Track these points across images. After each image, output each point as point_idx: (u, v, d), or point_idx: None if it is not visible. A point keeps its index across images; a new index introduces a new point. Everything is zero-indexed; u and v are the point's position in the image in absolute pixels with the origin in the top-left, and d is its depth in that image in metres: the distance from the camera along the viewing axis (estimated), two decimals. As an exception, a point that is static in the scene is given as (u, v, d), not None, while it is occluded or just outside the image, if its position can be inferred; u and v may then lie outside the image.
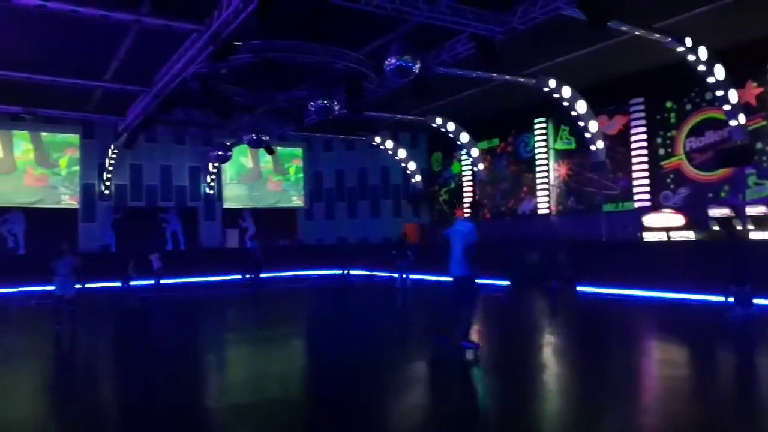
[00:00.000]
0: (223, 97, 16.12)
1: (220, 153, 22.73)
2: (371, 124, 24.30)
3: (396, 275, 17.27)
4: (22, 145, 22.85)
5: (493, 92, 19.42)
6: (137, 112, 18.55)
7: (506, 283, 17.54)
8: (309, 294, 18.36)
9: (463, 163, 25.48)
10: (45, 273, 11.50)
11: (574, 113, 18.66)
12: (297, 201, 28.87)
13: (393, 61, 13.15)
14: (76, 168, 23.78)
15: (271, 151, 23.32)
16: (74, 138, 23.75)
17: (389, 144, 26.26)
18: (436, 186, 27.53)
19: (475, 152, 24.15)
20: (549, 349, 8.73)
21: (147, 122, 18.52)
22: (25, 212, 22.70)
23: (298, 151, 28.80)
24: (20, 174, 22.72)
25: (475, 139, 24.06)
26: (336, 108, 16.81)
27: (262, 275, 20.06)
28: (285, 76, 16.33)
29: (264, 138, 20.12)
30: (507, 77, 17.34)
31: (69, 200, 23.66)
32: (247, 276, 20.23)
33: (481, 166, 24.23)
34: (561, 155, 21.34)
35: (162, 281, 17.29)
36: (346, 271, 22.45)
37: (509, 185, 23.49)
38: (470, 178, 25.08)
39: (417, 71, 13.40)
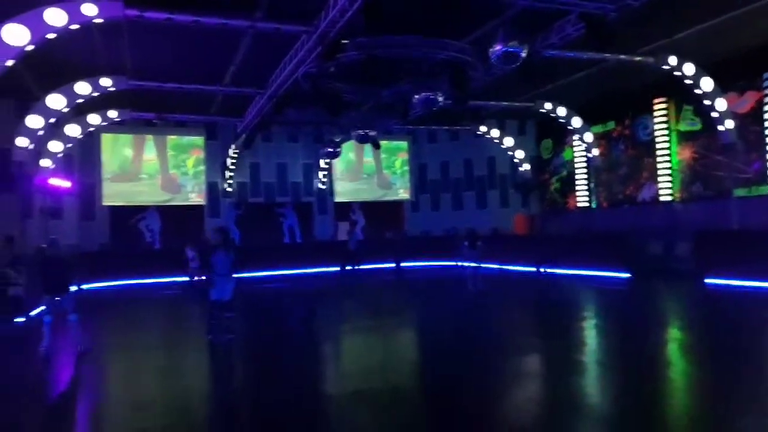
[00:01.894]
0: (332, 95, 16.64)
1: (330, 149, 23.68)
2: (476, 114, 23.93)
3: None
4: (154, 147, 25.07)
5: (606, 73, 18.39)
6: (254, 113, 19.68)
7: (626, 275, 16.65)
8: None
9: (575, 149, 24.42)
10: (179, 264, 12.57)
11: (698, 91, 17.21)
12: (403, 194, 29.21)
13: (499, 47, 12.81)
14: (202, 168, 25.71)
15: (377, 146, 23.77)
16: (199, 140, 25.68)
17: (495, 133, 25.75)
18: (546, 174, 26.61)
19: (588, 137, 23.03)
20: (675, 346, 8.22)
21: (263, 123, 19.56)
22: (159, 210, 24.90)
23: (404, 144, 29.09)
24: (154, 175, 24.97)
25: (588, 123, 22.94)
26: (440, 100, 16.78)
27: (358, 266, 20.58)
28: (390, 71, 16.56)
29: (371, 133, 20.60)
30: (622, 57, 16.36)
31: (196, 198, 25.65)
32: (346, 267, 20.80)
33: (595, 151, 23.07)
34: (684, 137, 19.79)
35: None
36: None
37: (627, 171, 22.18)
38: (584, 164, 23.99)
39: (524, 56, 13.03)
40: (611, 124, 22.78)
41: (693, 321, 10.54)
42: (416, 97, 16.94)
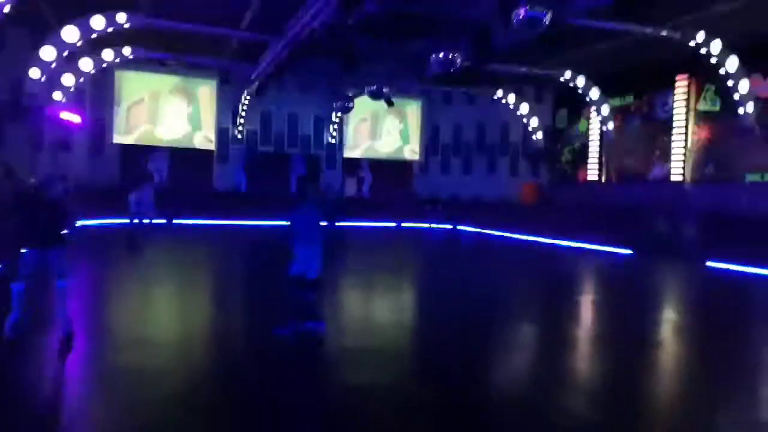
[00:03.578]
0: (347, 48, 16.37)
1: (342, 103, 23.45)
2: (493, 78, 23.52)
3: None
4: (167, 88, 24.87)
5: (630, 45, 17.92)
6: (268, 60, 19.42)
7: (628, 251, 16.67)
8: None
9: (590, 121, 24.08)
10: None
11: (722, 71, 16.81)
12: (413, 154, 29.05)
13: (522, 11, 12.50)
14: (213, 112, 25.55)
15: (390, 103, 23.50)
16: (212, 83, 25.44)
17: (511, 98, 25.37)
18: (558, 144, 26.33)
19: (605, 109, 22.65)
20: (667, 327, 8.29)
21: (277, 71, 19.34)
22: (168, 151, 24.89)
23: (417, 103, 28.75)
24: (165, 115, 24.85)
25: (607, 95, 22.53)
26: (458, 61, 16.47)
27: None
28: (410, 27, 16.21)
29: (384, 89, 20.34)
30: (648, 30, 15.93)
31: (206, 142, 25.59)
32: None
33: (610, 125, 22.75)
34: (702, 117, 19.44)
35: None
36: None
37: (641, 147, 21.91)
38: (598, 137, 23.70)
39: (547, 23, 12.70)
40: (630, 98, 22.36)
41: (689, 303, 10.60)
42: (434, 56, 16.64)
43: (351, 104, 23.66)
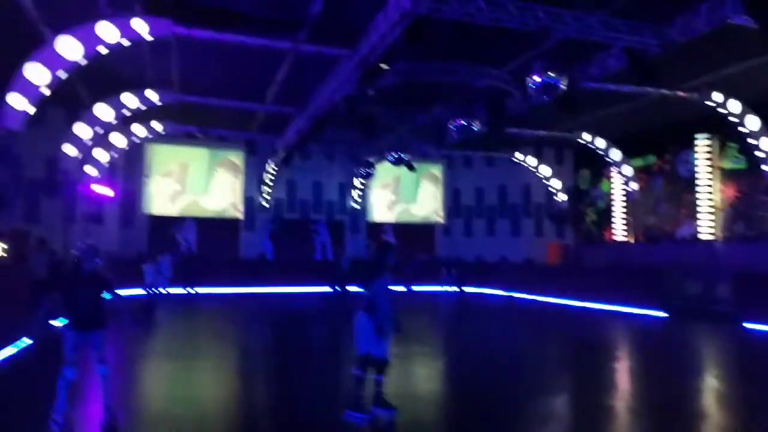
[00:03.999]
0: (368, 117, 16.85)
1: (365, 170, 23.94)
2: (513, 141, 23.84)
3: None
4: (195, 160, 25.70)
5: (648, 106, 18.11)
6: (292, 132, 20.04)
7: (661, 314, 16.15)
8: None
9: (613, 181, 23.99)
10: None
11: (743, 129, 16.76)
12: (436, 217, 29.15)
13: (537, 78, 12.80)
14: (240, 182, 26.22)
15: (412, 168, 23.85)
16: (239, 154, 26.24)
17: (532, 160, 25.55)
18: (582, 204, 26.19)
19: (627, 170, 22.62)
20: (709, 396, 7.90)
21: (301, 141, 19.91)
22: (196, 221, 25.41)
23: (438, 167, 29.12)
24: (193, 187, 25.56)
25: (628, 155, 22.55)
26: (476, 126, 16.79)
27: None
28: (427, 95, 16.68)
29: (405, 156, 20.75)
30: (664, 91, 16.09)
31: (233, 211, 26.13)
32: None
33: (634, 185, 22.63)
34: (728, 175, 19.22)
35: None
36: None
37: (666, 206, 21.65)
38: (622, 197, 23.52)
39: (563, 87, 12.94)
40: (652, 158, 22.32)
41: (729, 368, 10.12)
42: (452, 123, 17.00)
43: (373, 170, 24.14)
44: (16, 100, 12.27)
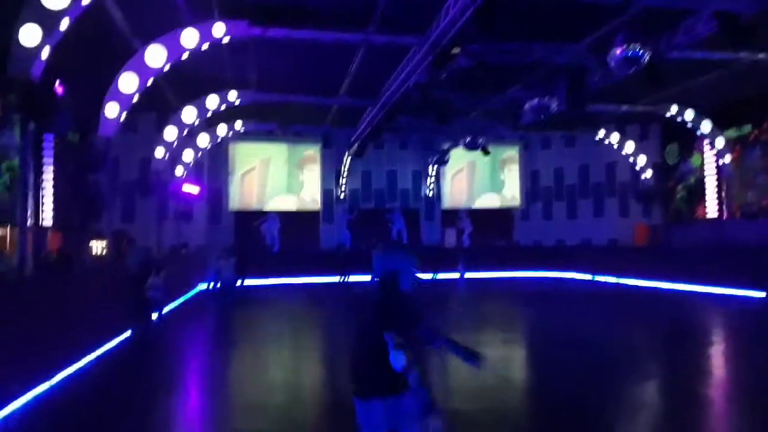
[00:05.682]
0: (440, 103, 16.74)
1: (438, 157, 23.84)
2: (594, 118, 22.89)
3: None
4: (275, 156, 26.56)
5: (741, 73, 16.83)
6: (366, 122, 20.27)
7: (760, 294, 15.10)
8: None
9: (704, 154, 22.56)
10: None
11: None
12: (513, 201, 28.59)
13: (618, 51, 12.20)
14: (318, 175, 26.86)
15: (486, 152, 23.50)
16: (316, 148, 26.86)
17: (615, 138, 24.45)
18: (671, 181, 24.79)
19: (720, 142, 21.19)
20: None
21: (375, 132, 20.09)
22: (278, 215, 26.28)
23: (514, 149, 28.50)
24: (275, 182, 26.46)
25: (720, 127, 21.10)
26: (553, 106, 16.26)
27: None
28: (501, 77, 16.33)
29: (480, 140, 20.45)
30: (760, 56, 14.91)
31: (313, 204, 26.83)
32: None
33: (728, 157, 21.18)
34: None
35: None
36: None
37: (765, 179, 20.12)
38: (715, 171, 22.09)
39: (646, 60, 12.28)
40: (747, 128, 20.78)
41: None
42: (528, 104, 16.55)
43: (447, 157, 23.98)
44: (112, 110, 13.18)
